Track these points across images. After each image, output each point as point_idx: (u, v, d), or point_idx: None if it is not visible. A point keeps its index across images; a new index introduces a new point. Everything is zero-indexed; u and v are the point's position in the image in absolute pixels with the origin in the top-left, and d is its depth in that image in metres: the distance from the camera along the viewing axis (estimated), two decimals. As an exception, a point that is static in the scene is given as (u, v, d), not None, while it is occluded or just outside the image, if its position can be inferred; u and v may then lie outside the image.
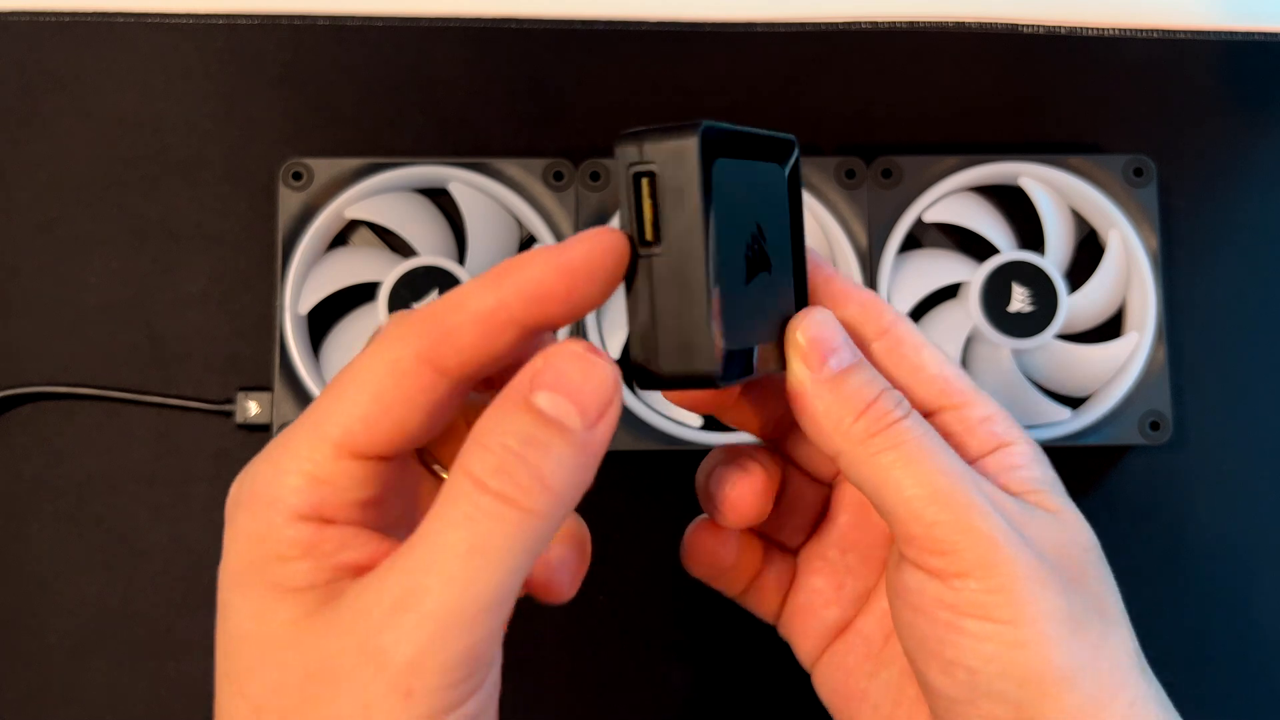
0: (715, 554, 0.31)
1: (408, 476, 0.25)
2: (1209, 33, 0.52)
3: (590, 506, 0.50)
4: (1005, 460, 0.28)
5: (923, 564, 0.25)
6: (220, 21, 0.51)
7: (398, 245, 0.49)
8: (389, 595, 0.20)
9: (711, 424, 0.47)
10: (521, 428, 0.20)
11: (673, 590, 0.47)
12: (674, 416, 0.47)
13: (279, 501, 0.22)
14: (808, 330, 0.26)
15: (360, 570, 0.22)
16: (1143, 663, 0.26)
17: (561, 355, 0.21)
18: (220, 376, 0.48)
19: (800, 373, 0.26)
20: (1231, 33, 0.52)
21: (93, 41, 0.50)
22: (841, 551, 0.31)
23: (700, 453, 0.47)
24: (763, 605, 0.33)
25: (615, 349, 0.47)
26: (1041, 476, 0.28)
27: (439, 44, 0.51)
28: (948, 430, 0.28)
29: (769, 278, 0.26)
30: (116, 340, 0.49)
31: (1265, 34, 0.52)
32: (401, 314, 0.23)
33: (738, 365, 0.24)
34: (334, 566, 0.22)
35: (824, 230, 0.48)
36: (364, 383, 0.22)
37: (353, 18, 0.51)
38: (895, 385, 0.28)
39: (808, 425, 0.26)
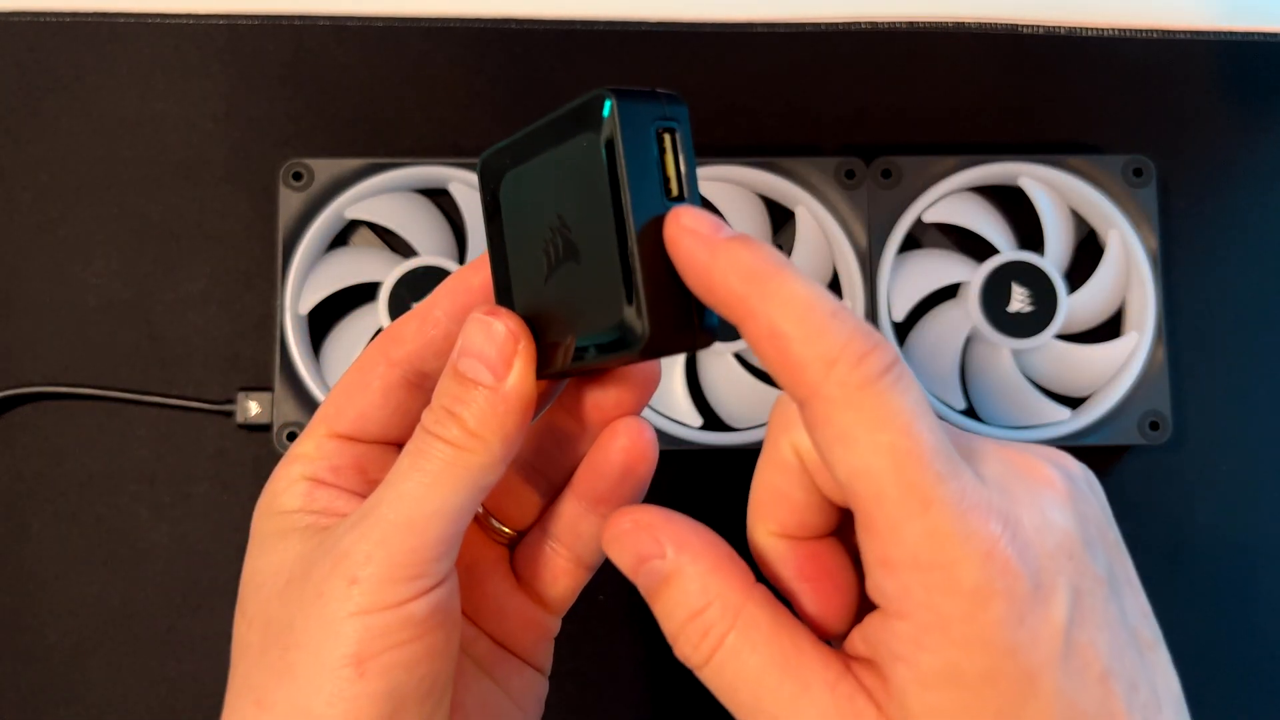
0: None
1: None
2: (1209, 33, 0.52)
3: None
4: (879, 637, 0.22)
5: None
6: (221, 22, 0.51)
7: (398, 245, 0.49)
8: (358, 513, 0.25)
9: (711, 424, 0.47)
10: (452, 389, 0.25)
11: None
12: (674, 416, 0.47)
13: (282, 474, 0.28)
14: (611, 543, 0.25)
15: (341, 516, 0.27)
16: None
17: (469, 323, 0.25)
18: (220, 376, 0.48)
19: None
20: (1231, 33, 0.52)
21: (93, 41, 0.50)
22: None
23: (700, 453, 0.47)
24: None
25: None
26: (913, 681, 0.21)
27: (439, 44, 0.51)
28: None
29: (578, 265, 0.24)
30: (117, 340, 0.49)
31: (1265, 34, 0.52)
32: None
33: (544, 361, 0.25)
34: (323, 513, 0.26)
35: (824, 230, 0.48)
36: (343, 379, 0.28)
37: (353, 18, 0.51)
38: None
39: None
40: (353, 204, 0.47)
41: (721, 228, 0.22)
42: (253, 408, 0.47)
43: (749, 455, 0.47)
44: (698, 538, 0.24)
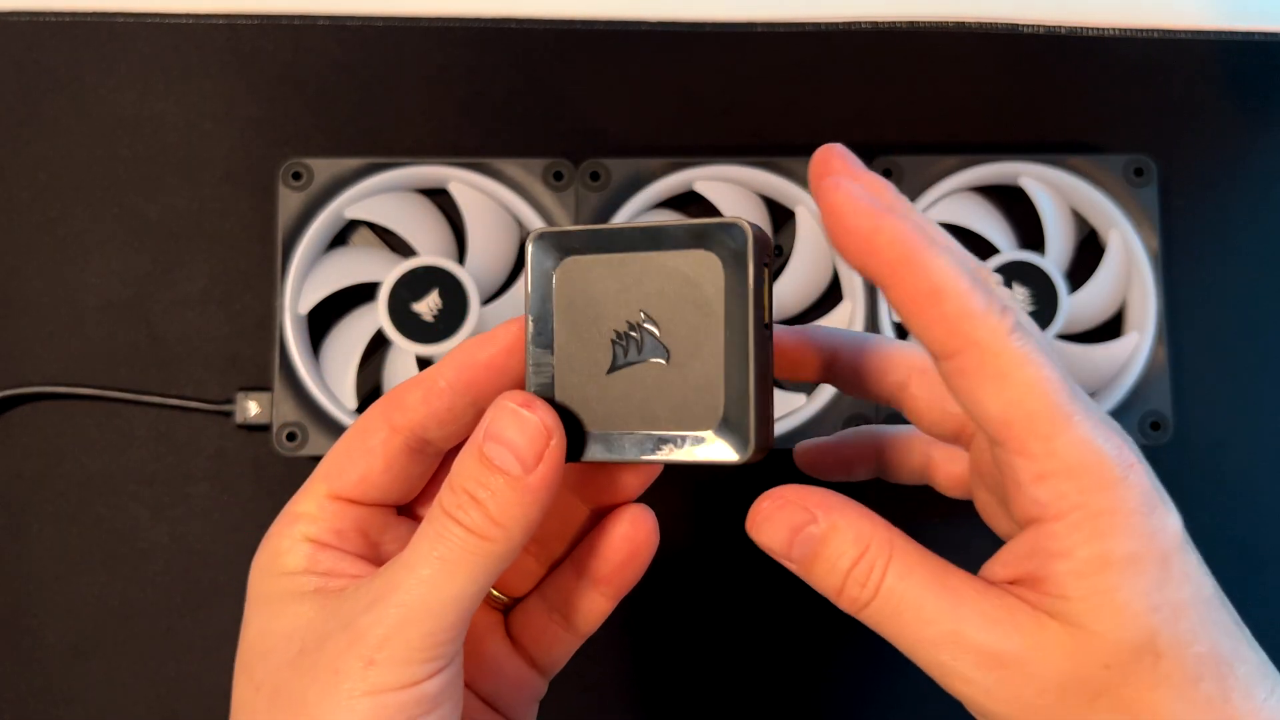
0: (829, 469, 0.34)
1: (401, 530, 0.30)
2: (1209, 33, 0.52)
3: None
4: (1034, 546, 0.25)
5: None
6: (220, 22, 0.51)
7: (398, 245, 0.49)
8: (374, 589, 0.25)
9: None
10: (475, 472, 0.25)
11: (673, 590, 0.47)
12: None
13: (283, 533, 0.28)
14: (761, 525, 0.27)
15: (355, 579, 0.27)
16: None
17: (499, 410, 0.25)
18: (220, 376, 0.48)
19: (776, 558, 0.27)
20: (1231, 33, 0.52)
21: (93, 41, 0.50)
22: (989, 479, 0.30)
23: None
24: (948, 491, 0.33)
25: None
26: (1073, 571, 0.24)
27: (439, 44, 0.51)
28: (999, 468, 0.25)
29: (665, 365, 0.26)
30: (116, 340, 0.49)
31: (1265, 34, 0.52)
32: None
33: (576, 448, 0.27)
34: (329, 576, 0.27)
35: (824, 230, 0.48)
36: (343, 440, 0.29)
37: (353, 18, 0.51)
38: (944, 412, 0.29)
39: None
40: (352, 204, 0.47)
41: (874, 199, 0.25)
42: (252, 408, 0.47)
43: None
44: (835, 497, 0.26)
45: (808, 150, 0.51)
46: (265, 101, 0.50)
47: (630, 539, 0.29)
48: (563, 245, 0.27)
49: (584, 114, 0.51)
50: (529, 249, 0.27)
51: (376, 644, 0.24)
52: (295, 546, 0.27)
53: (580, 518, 0.31)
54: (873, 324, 0.47)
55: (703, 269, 0.26)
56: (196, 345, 0.49)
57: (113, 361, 0.48)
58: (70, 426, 0.48)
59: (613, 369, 0.26)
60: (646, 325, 0.26)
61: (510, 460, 0.25)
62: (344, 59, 0.51)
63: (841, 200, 0.25)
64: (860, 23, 0.52)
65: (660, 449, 0.26)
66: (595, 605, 0.31)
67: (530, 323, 0.27)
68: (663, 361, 0.26)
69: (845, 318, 0.47)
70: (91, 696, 0.47)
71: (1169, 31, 0.52)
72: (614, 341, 0.26)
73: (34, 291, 0.49)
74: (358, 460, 0.28)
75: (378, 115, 0.50)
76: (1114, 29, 0.52)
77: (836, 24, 0.52)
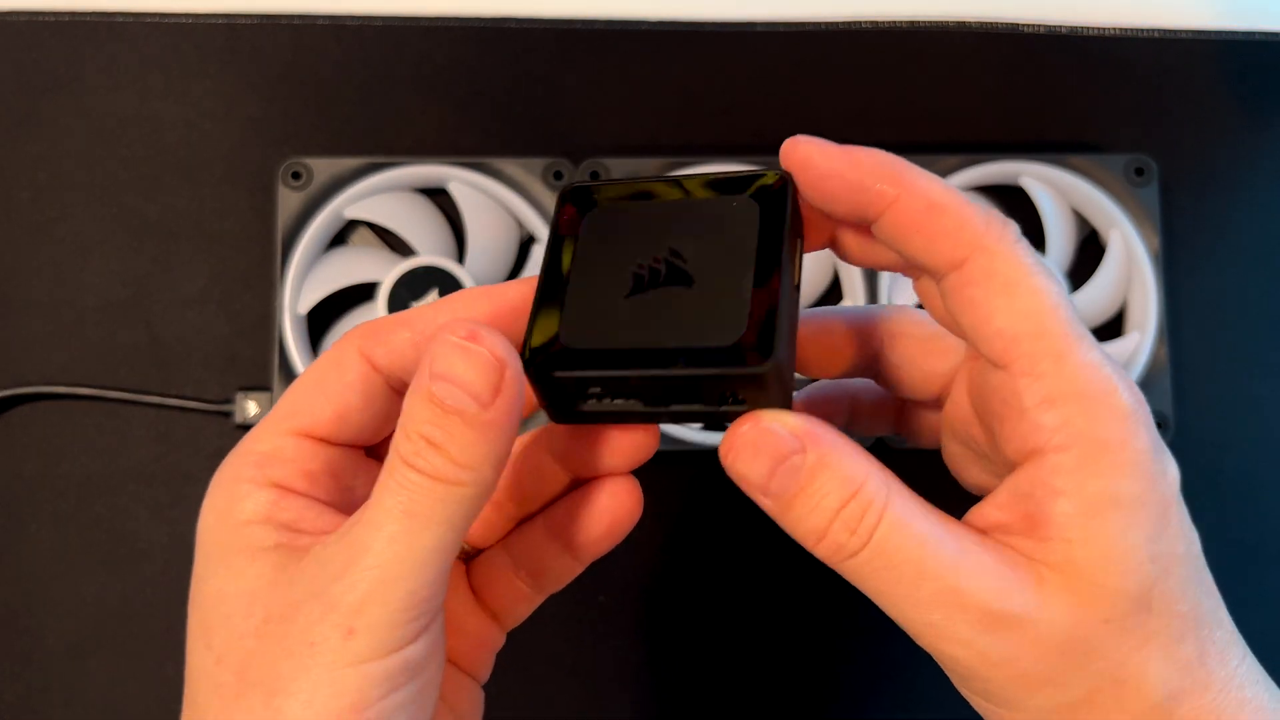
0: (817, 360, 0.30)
1: (372, 473, 0.27)
2: (1209, 32, 0.52)
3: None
4: (1034, 482, 0.23)
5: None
6: (220, 21, 0.51)
7: (397, 245, 0.49)
8: (342, 552, 0.23)
9: (712, 424, 0.47)
10: (428, 415, 0.23)
11: (673, 588, 0.47)
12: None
13: (239, 476, 0.25)
14: (740, 451, 0.24)
15: (320, 535, 0.25)
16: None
17: (441, 345, 0.23)
18: (220, 376, 0.48)
19: (750, 493, 0.24)
20: (1231, 33, 0.52)
21: (92, 41, 0.50)
22: (966, 432, 0.28)
23: (700, 453, 0.47)
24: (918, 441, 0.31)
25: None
26: (1076, 511, 0.22)
27: (439, 43, 0.51)
28: (1007, 392, 0.23)
29: (687, 290, 0.24)
30: (116, 340, 0.49)
31: (1265, 34, 0.52)
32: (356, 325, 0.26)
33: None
34: (295, 530, 0.25)
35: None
36: (311, 373, 0.26)
37: (352, 17, 0.51)
38: (958, 320, 0.24)
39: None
40: (352, 203, 0.47)
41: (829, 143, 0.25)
42: (251, 408, 0.47)
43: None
44: (825, 428, 0.24)
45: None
46: (265, 101, 0.50)
47: (611, 512, 0.27)
48: (592, 198, 0.26)
49: (584, 114, 0.51)
50: (557, 206, 0.26)
51: (353, 611, 0.23)
52: (256, 492, 0.25)
53: (559, 483, 0.28)
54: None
55: (738, 213, 0.25)
56: (196, 345, 0.49)
57: (112, 361, 0.48)
58: (70, 426, 0.48)
59: (631, 294, 0.24)
60: (672, 259, 0.24)
61: (463, 398, 0.22)
62: (344, 58, 0.51)
63: (806, 147, 0.24)
64: (860, 22, 0.52)
65: (669, 367, 0.23)
66: (565, 567, 0.29)
67: (546, 260, 0.25)
68: (685, 288, 0.24)
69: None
70: (91, 696, 0.47)
71: (1169, 31, 0.52)
72: (635, 273, 0.24)
73: (33, 291, 0.49)
74: (332, 395, 0.25)
75: (377, 115, 0.50)
76: (1115, 29, 0.52)
77: (837, 24, 0.52)
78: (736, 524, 0.47)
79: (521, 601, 0.29)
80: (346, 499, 0.26)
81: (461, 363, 0.23)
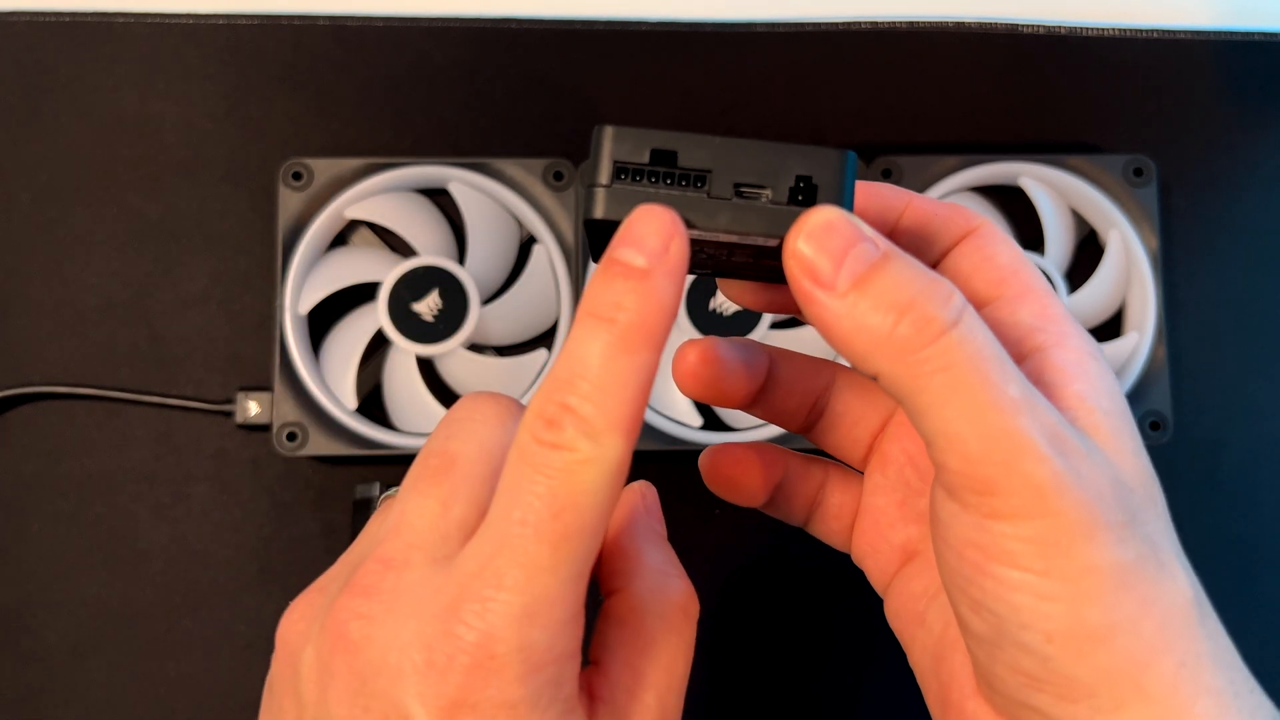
0: (736, 479, 0.31)
1: None
2: (1209, 32, 0.52)
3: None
4: (1054, 366, 0.24)
5: (958, 497, 0.22)
6: (220, 21, 0.51)
7: (398, 245, 0.49)
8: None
9: (712, 423, 0.47)
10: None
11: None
12: (674, 417, 0.47)
13: (574, 656, 0.23)
14: (812, 233, 0.22)
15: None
16: (1204, 613, 0.23)
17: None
18: (220, 376, 0.48)
19: (809, 290, 0.22)
20: (1231, 33, 0.52)
21: (93, 41, 0.50)
22: (900, 468, 0.29)
23: (700, 453, 0.47)
24: (830, 531, 0.31)
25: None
26: (1094, 390, 0.24)
27: (439, 44, 0.51)
28: (994, 322, 0.24)
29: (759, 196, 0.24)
30: (117, 340, 0.49)
31: (1265, 34, 0.52)
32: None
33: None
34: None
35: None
36: (598, 526, 0.23)
37: (353, 17, 0.51)
38: (956, 276, 0.25)
39: (836, 345, 0.23)
40: (352, 204, 0.47)
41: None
42: (252, 408, 0.47)
43: (749, 455, 0.47)
44: (886, 241, 0.23)
45: (808, 150, 0.51)
46: (265, 101, 0.50)
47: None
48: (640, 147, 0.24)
49: (584, 114, 0.51)
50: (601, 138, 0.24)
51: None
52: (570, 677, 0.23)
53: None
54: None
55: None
56: (196, 345, 0.49)
57: (113, 361, 0.48)
58: (70, 426, 0.48)
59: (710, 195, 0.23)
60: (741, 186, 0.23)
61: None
62: (344, 59, 0.51)
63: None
64: (860, 22, 0.52)
65: (755, 198, 0.23)
66: None
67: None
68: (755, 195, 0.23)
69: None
70: (91, 696, 0.47)
71: (1169, 31, 0.52)
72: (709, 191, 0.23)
73: (34, 291, 0.49)
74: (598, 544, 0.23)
75: (378, 115, 0.50)
76: (1114, 29, 0.52)
77: (836, 24, 0.52)
78: (739, 524, 0.47)
79: None
80: None
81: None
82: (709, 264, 0.26)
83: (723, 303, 0.47)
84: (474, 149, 0.50)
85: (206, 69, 0.51)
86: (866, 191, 0.26)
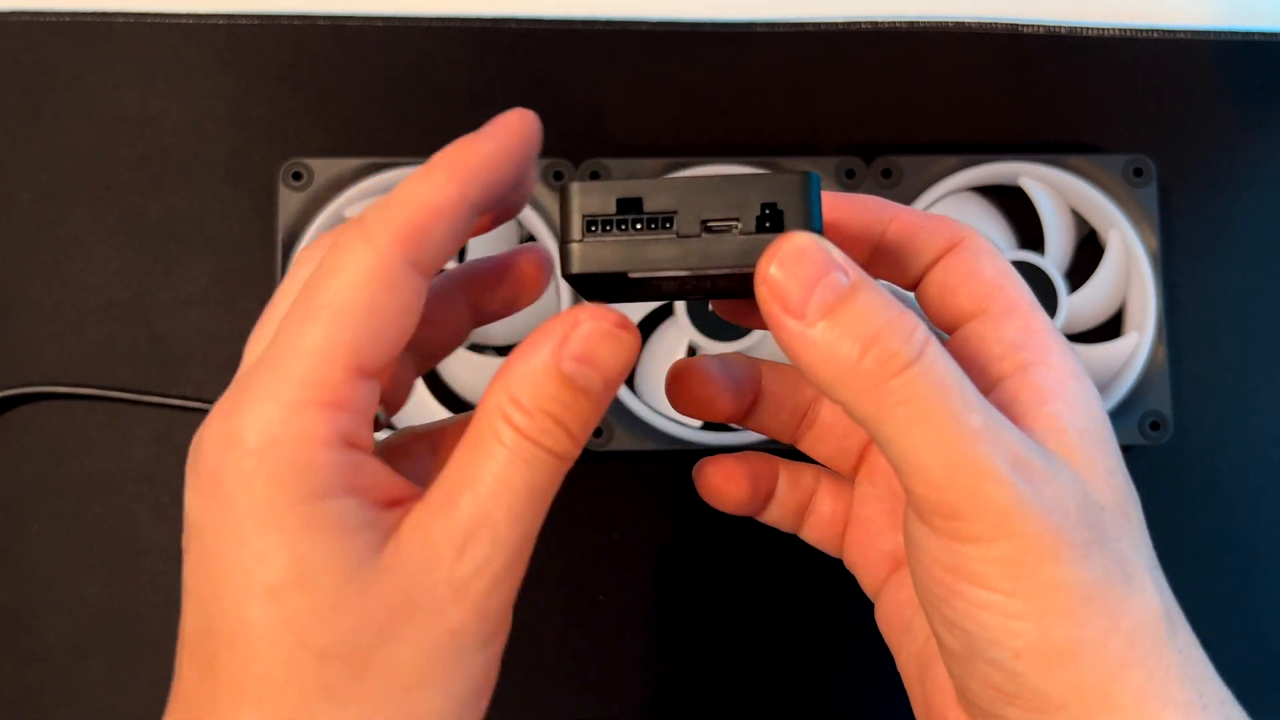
0: (726, 492, 0.31)
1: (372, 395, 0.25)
2: (1209, 32, 0.52)
3: (591, 506, 0.50)
4: (1031, 385, 0.24)
5: (927, 521, 0.23)
6: (220, 21, 0.51)
7: (398, 245, 0.49)
8: (459, 527, 0.22)
9: (711, 424, 0.47)
10: (557, 393, 0.22)
11: (673, 590, 0.47)
12: (675, 417, 0.47)
13: (309, 437, 0.21)
14: (784, 260, 0.22)
15: (393, 504, 0.23)
16: (1174, 627, 0.24)
17: (593, 330, 0.22)
18: (220, 376, 0.48)
19: (778, 317, 0.22)
20: (1231, 33, 0.52)
21: (93, 41, 0.50)
22: (889, 479, 0.29)
23: (700, 453, 0.47)
24: (823, 538, 0.31)
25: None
26: (1070, 409, 0.24)
27: (439, 44, 0.51)
28: (978, 338, 0.25)
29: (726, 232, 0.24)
30: (117, 340, 0.49)
31: (1265, 34, 0.52)
32: (359, 219, 0.23)
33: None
34: (374, 499, 0.22)
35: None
36: (356, 296, 0.22)
37: (353, 17, 0.51)
38: (942, 290, 0.26)
39: (805, 372, 0.23)
40: (352, 204, 0.47)
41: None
42: (252, 408, 0.47)
43: (749, 455, 0.47)
44: (859, 270, 0.23)
45: (808, 150, 0.51)
46: (265, 101, 0.50)
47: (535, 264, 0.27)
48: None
49: (584, 114, 0.51)
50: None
51: (487, 594, 0.22)
52: (337, 455, 0.21)
53: (467, 327, 0.28)
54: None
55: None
56: (196, 345, 0.49)
57: (113, 361, 0.48)
58: (70, 426, 0.48)
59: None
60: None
61: (597, 381, 0.22)
62: (345, 59, 0.51)
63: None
64: (860, 22, 0.52)
65: (721, 231, 0.24)
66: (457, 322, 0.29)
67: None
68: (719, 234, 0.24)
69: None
70: (91, 696, 0.47)
71: (1169, 31, 0.52)
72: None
73: (34, 291, 0.49)
74: (394, 323, 0.22)
75: (378, 115, 0.50)
76: (1114, 29, 0.52)
77: (836, 24, 0.52)
78: (737, 524, 0.47)
79: (409, 380, 0.28)
80: (369, 435, 0.23)
81: (610, 350, 0.23)
82: (698, 290, 0.27)
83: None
84: (474, 149, 0.50)
85: (207, 69, 0.51)
86: (851, 205, 0.26)
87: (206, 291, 0.49)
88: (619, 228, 0.24)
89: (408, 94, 0.51)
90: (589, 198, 0.24)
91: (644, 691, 0.47)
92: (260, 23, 0.51)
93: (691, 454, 0.46)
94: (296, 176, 0.47)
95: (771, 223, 0.23)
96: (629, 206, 0.24)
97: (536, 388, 0.22)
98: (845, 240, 0.27)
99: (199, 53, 0.51)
